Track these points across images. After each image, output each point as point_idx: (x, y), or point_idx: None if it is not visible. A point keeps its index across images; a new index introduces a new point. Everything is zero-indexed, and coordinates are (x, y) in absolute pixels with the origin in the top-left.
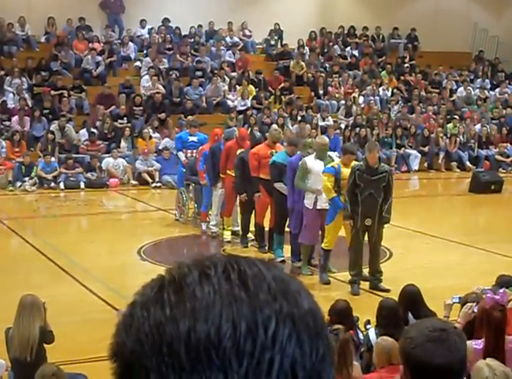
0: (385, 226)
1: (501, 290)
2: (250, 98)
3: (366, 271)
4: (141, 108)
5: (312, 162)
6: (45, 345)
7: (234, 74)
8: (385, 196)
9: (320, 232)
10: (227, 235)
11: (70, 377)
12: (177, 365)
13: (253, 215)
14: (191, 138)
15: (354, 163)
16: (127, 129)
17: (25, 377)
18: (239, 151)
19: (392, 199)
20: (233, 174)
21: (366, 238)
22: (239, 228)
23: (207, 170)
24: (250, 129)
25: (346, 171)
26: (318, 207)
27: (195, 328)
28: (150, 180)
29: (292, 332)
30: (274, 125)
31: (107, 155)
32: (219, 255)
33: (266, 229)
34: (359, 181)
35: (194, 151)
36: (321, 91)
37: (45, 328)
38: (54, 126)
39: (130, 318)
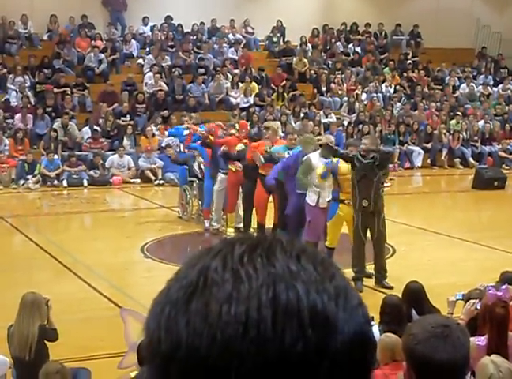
0: (388, 223)
1: (503, 287)
2: (253, 95)
3: (369, 268)
4: (144, 106)
5: (316, 160)
6: (49, 343)
7: (236, 71)
8: (380, 176)
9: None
10: (231, 232)
11: (73, 371)
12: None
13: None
14: (186, 132)
15: None
16: (130, 126)
17: (26, 376)
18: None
19: (383, 215)
20: (233, 170)
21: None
22: (242, 225)
23: (207, 164)
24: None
25: (344, 167)
26: (321, 205)
27: (210, 349)
28: (153, 177)
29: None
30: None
31: (110, 152)
32: (259, 250)
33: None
34: (357, 162)
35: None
36: (323, 88)
37: (45, 327)
38: (56, 124)
39: (159, 316)
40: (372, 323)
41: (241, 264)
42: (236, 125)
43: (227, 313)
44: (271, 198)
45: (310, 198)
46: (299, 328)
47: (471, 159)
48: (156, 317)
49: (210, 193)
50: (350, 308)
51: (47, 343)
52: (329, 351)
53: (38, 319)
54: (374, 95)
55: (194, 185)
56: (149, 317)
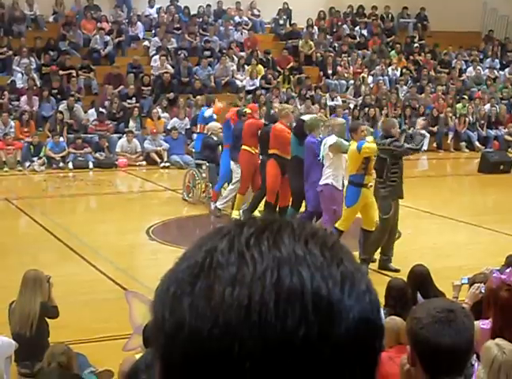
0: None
1: (508, 270)
2: (259, 78)
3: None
4: (150, 88)
5: (333, 141)
6: (51, 321)
7: (242, 54)
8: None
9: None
10: (236, 215)
11: None
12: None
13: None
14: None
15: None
16: (136, 108)
17: (25, 352)
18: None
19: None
20: (249, 150)
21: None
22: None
23: (228, 146)
24: (265, 107)
25: (373, 147)
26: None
27: (212, 331)
28: (159, 160)
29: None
30: (281, 105)
31: (115, 135)
32: (264, 233)
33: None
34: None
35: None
36: (330, 71)
37: (46, 304)
38: (62, 106)
39: (162, 296)
40: None
41: (247, 247)
42: (247, 109)
43: (230, 295)
44: None
45: (337, 182)
46: (301, 313)
47: (477, 143)
48: (161, 296)
49: (225, 177)
50: (356, 294)
51: (48, 320)
52: (332, 337)
53: (39, 296)
54: (381, 78)
55: (204, 167)
56: (156, 296)
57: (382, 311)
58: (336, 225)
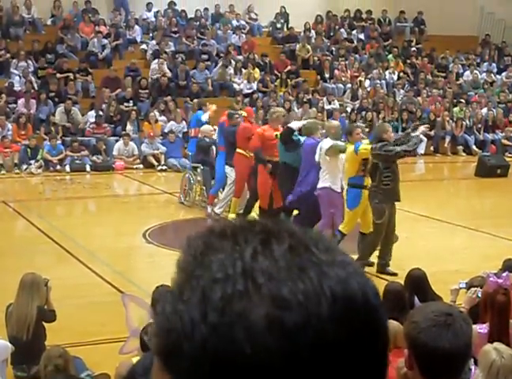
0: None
1: (504, 274)
2: (256, 81)
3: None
4: (147, 91)
5: (329, 144)
6: (48, 324)
7: (240, 57)
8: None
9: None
10: (232, 218)
11: None
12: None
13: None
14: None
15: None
16: (133, 112)
17: (22, 355)
18: None
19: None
20: (244, 153)
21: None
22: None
23: (222, 149)
24: (263, 111)
25: (367, 150)
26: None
27: (193, 330)
28: (156, 163)
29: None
30: (274, 108)
31: (112, 138)
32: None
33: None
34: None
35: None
36: (327, 75)
37: (43, 308)
38: (59, 109)
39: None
40: None
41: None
42: (242, 112)
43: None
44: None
45: (335, 185)
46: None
47: (474, 147)
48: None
49: (220, 180)
50: (369, 293)
51: (44, 324)
52: (327, 293)
53: (37, 300)
54: (378, 81)
55: (198, 170)
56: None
57: None
58: (340, 228)
